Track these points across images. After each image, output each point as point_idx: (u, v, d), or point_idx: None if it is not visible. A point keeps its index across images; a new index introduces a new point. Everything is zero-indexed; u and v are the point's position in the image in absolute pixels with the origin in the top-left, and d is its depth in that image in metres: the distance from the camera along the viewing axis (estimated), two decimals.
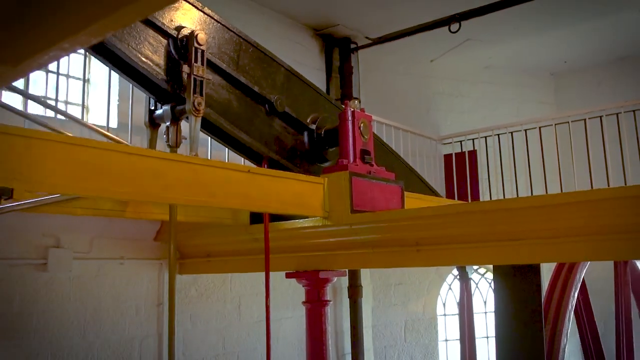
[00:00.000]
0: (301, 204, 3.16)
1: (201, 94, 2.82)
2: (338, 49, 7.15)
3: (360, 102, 3.59)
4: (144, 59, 2.73)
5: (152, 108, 3.03)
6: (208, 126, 3.11)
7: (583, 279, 4.20)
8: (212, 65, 3.01)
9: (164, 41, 2.82)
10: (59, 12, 0.80)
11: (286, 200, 3.05)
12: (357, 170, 3.31)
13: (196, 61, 2.81)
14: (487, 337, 7.88)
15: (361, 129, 3.46)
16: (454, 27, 6.43)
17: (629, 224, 2.47)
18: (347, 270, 5.46)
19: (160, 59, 2.81)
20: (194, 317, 4.80)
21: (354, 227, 3.27)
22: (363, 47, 7.30)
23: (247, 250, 3.93)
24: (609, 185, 6.29)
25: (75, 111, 4.37)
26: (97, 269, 4.18)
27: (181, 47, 2.84)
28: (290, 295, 5.54)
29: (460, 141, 7.60)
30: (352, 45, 7.23)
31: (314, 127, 3.59)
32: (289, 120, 3.49)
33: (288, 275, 3.87)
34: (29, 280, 3.81)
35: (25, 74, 0.92)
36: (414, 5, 6.50)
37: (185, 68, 2.80)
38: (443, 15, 6.55)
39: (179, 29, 2.85)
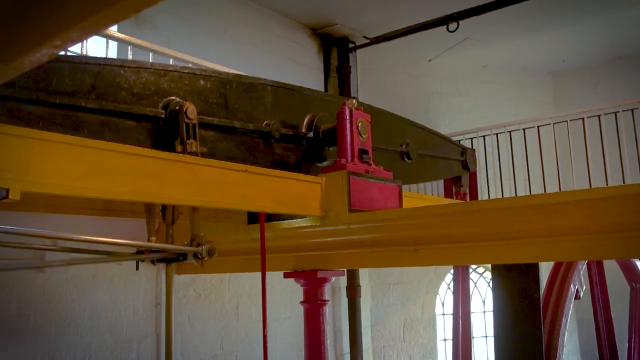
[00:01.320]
0: (299, 203, 3.15)
1: None
2: (336, 49, 7.15)
3: (358, 101, 3.57)
4: None
5: None
6: None
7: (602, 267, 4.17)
8: (205, 125, 2.90)
9: (152, 124, 2.71)
10: (50, 9, 0.79)
11: (284, 200, 3.04)
12: (355, 169, 3.30)
13: (189, 137, 2.68)
14: (486, 337, 7.88)
15: (359, 128, 3.45)
16: (452, 26, 6.43)
17: (628, 223, 2.46)
18: (345, 270, 5.46)
19: (149, 142, 2.68)
20: (192, 318, 4.79)
21: (352, 226, 3.26)
22: (361, 46, 7.30)
23: (245, 250, 3.91)
24: (607, 184, 6.29)
25: None
26: (94, 269, 4.17)
27: (170, 120, 2.70)
28: (288, 295, 5.54)
29: (459, 140, 7.58)
30: (350, 45, 7.23)
31: (312, 134, 3.56)
32: (287, 140, 3.46)
33: (286, 275, 3.87)
34: (26, 281, 3.80)
35: (18, 72, 0.91)
36: (412, 4, 6.50)
37: (178, 146, 2.66)
38: (441, 15, 6.55)
39: (165, 106, 2.73)
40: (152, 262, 3.18)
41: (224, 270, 4.64)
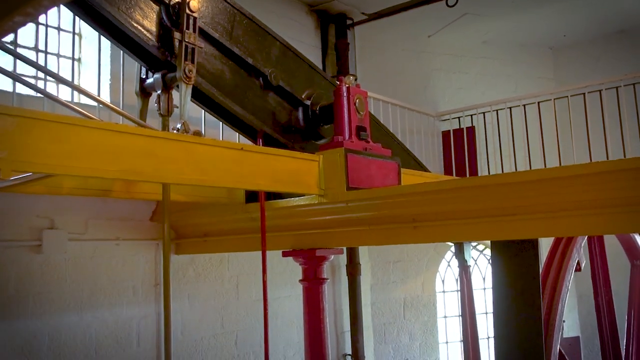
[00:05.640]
0: (296, 181, 3.12)
1: (192, 62, 2.80)
2: (334, 25, 7.05)
3: (356, 78, 3.52)
4: (134, 23, 2.68)
5: (143, 77, 3.00)
6: (200, 97, 3.07)
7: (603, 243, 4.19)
8: (204, 35, 2.97)
9: (156, 7, 2.78)
10: None
11: (281, 178, 3.01)
12: (352, 147, 3.27)
13: (188, 28, 2.78)
14: (486, 313, 7.92)
15: (357, 105, 3.41)
16: (451, 1, 6.33)
17: (628, 197, 2.43)
18: (344, 248, 5.45)
19: (151, 25, 2.77)
20: (191, 297, 4.79)
21: (350, 204, 3.24)
22: (359, 23, 7.20)
23: (244, 229, 3.91)
24: (608, 159, 6.25)
25: (65, 91, 4.30)
26: (92, 250, 4.16)
27: (173, 14, 2.80)
28: (288, 274, 5.54)
29: (459, 117, 7.54)
30: (348, 21, 7.13)
31: (309, 102, 3.54)
32: (283, 95, 3.45)
33: (284, 254, 3.86)
34: (23, 262, 3.79)
35: None
36: None
37: (177, 35, 2.77)
38: None
39: None
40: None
41: (223, 249, 4.63)
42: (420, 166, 4.74)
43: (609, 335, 4.54)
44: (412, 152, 4.81)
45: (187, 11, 2.78)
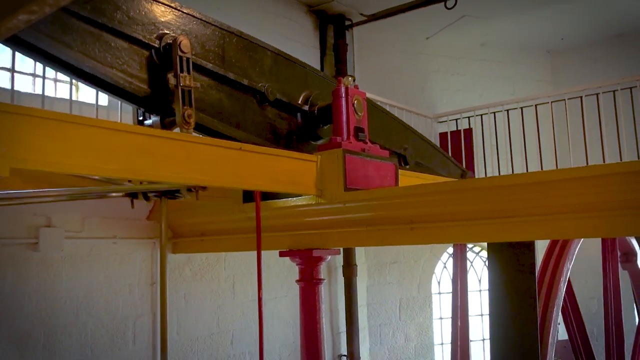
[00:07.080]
0: (294, 181, 3.12)
1: (190, 105, 2.69)
2: (332, 26, 7.06)
3: (354, 79, 3.52)
4: (127, 77, 2.59)
5: (141, 118, 2.90)
6: (200, 127, 3.01)
7: (569, 279, 4.17)
8: (198, 68, 2.87)
9: (146, 53, 2.69)
10: None
11: (279, 178, 3.01)
12: (350, 147, 3.27)
13: (182, 71, 2.67)
14: (482, 315, 7.93)
15: (355, 105, 3.41)
16: (450, 2, 6.35)
17: (625, 200, 2.44)
18: (341, 249, 5.45)
19: (143, 72, 2.67)
20: (188, 297, 4.79)
21: (348, 205, 3.24)
22: (358, 24, 7.21)
23: (241, 228, 3.91)
24: (604, 162, 6.28)
25: (64, 89, 4.30)
26: (89, 248, 4.15)
27: (164, 54, 2.69)
28: (284, 274, 5.54)
29: (456, 119, 7.56)
30: (347, 22, 7.14)
31: (307, 107, 3.52)
32: (281, 106, 3.41)
33: (281, 254, 3.86)
34: (20, 260, 3.78)
35: None
36: None
37: (172, 79, 2.66)
38: None
39: (160, 37, 2.70)
40: (146, 198, 3.25)
41: (220, 249, 4.63)
42: (460, 169, 4.77)
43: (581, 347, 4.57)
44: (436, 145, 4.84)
45: (180, 53, 2.66)
